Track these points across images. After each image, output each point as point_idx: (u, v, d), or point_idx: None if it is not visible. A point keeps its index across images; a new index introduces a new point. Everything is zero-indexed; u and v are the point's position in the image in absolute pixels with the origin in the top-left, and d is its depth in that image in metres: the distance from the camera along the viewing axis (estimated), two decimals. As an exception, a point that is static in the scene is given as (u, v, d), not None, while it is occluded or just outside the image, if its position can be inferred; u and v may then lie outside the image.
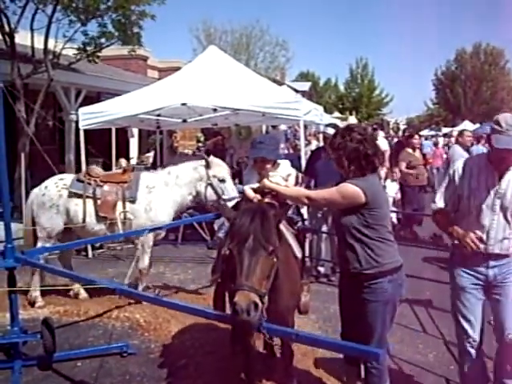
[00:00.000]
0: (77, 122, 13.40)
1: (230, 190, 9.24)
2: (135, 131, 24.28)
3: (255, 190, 5.62)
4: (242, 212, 4.45)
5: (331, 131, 10.70)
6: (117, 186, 9.26)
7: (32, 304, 8.92)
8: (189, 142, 27.40)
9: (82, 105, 15.71)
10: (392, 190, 14.51)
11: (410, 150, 14.48)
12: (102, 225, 9.12)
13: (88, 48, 18.50)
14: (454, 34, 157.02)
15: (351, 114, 47.58)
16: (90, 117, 12.33)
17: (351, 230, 4.76)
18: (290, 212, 5.56)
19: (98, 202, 9.14)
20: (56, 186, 9.38)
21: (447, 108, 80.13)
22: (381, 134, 21.55)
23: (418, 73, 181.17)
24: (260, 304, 3.97)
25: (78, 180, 9.35)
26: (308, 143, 17.79)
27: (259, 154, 5.89)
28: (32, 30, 16.92)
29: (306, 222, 8.86)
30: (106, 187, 9.24)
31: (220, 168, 9.36)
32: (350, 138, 4.80)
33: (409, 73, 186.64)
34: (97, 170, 9.84)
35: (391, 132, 37.40)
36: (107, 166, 16.91)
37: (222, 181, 9.23)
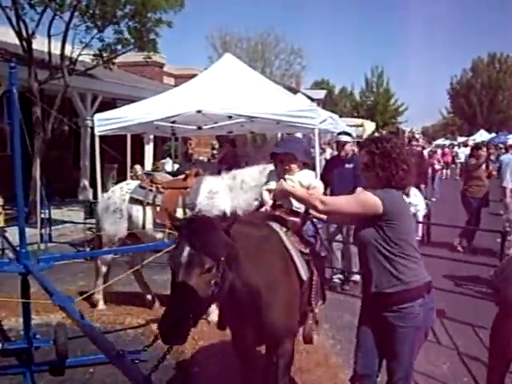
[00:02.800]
0: (92, 128, 13.43)
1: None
2: (150, 138, 24.35)
3: (273, 194, 5.37)
4: (185, 224, 3.95)
5: (345, 138, 10.69)
6: (177, 192, 9.02)
7: (94, 306, 9.07)
8: (204, 149, 27.46)
9: (97, 111, 15.75)
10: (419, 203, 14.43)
11: (474, 162, 14.35)
12: (161, 232, 8.89)
13: (104, 54, 18.64)
14: (470, 43, 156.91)
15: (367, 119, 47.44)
16: (105, 123, 12.35)
17: (370, 244, 4.44)
18: (305, 228, 5.32)
19: (157, 208, 8.98)
20: (121, 191, 9.35)
21: (463, 117, 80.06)
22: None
23: (433, 82, 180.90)
24: (189, 325, 3.68)
25: (141, 186, 9.25)
26: (322, 151, 17.76)
27: (289, 150, 5.47)
28: (49, 36, 17.07)
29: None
30: (165, 194, 9.07)
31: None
32: (388, 145, 4.51)
33: (424, 82, 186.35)
34: (161, 176, 9.70)
35: (406, 141, 37.45)
36: (122, 173, 16.99)
37: None
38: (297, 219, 5.24)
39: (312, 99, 29.22)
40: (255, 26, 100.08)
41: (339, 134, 11.20)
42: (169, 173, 15.77)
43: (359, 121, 41.39)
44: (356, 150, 11.11)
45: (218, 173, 9.86)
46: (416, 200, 14.44)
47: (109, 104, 21.01)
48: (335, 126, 13.37)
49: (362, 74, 79.27)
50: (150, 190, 9.11)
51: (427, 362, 6.99)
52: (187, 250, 3.73)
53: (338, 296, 9.78)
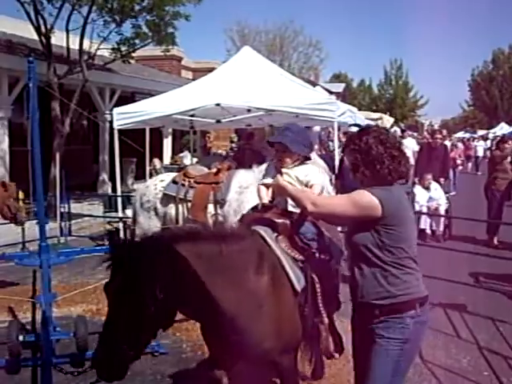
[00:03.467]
0: (111, 122, 13.46)
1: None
2: (169, 131, 24.39)
3: (271, 190, 4.90)
4: (120, 249, 3.61)
5: (354, 130, 10.62)
6: (209, 187, 8.82)
7: None
8: (222, 142, 27.45)
9: (116, 105, 15.79)
10: (422, 198, 14.38)
11: (499, 154, 14.21)
12: None
13: (122, 48, 18.65)
14: (491, 34, 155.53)
15: (385, 113, 47.24)
16: (124, 117, 12.36)
17: (362, 250, 3.88)
18: (303, 230, 4.62)
19: (189, 204, 8.85)
20: (155, 187, 9.30)
21: (483, 110, 79.33)
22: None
23: (453, 74, 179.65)
24: (125, 358, 3.51)
25: (174, 181, 9.14)
26: (341, 144, 17.70)
27: (281, 139, 4.93)
28: (67, 30, 17.12)
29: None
30: (197, 189, 8.88)
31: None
32: (366, 140, 3.99)
33: (444, 74, 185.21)
34: (195, 169, 9.51)
35: (425, 134, 37.19)
36: (141, 166, 17.02)
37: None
38: (288, 221, 4.63)
39: (331, 92, 29.12)
40: (273, 19, 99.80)
41: (350, 125, 11.14)
42: (187, 167, 15.87)
43: (377, 114, 41.26)
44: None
45: (236, 168, 9.75)
46: (437, 194, 14.41)
47: (127, 98, 21.06)
48: (354, 119, 13.31)
49: (381, 67, 78.55)
50: (183, 185, 8.97)
51: (447, 356, 6.97)
52: (119, 279, 3.49)
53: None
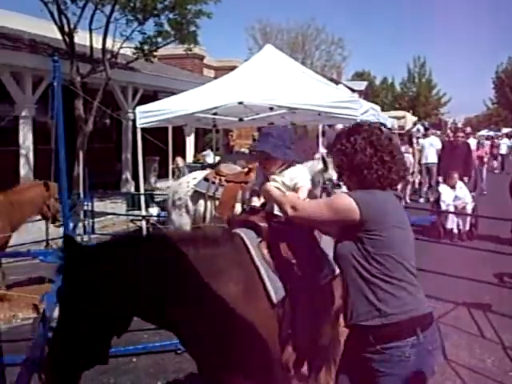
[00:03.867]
0: (134, 121, 13.50)
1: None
2: (191, 130, 24.44)
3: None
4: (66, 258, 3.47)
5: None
6: (238, 186, 8.72)
7: None
8: (245, 140, 27.44)
9: (138, 103, 15.84)
10: (448, 197, 14.27)
11: None
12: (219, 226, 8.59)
13: (145, 47, 18.72)
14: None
15: (408, 112, 47.02)
16: (147, 115, 12.38)
17: (347, 261, 3.43)
18: None
19: (217, 202, 8.81)
20: (187, 184, 9.30)
21: (507, 107, 78.58)
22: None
23: (477, 71, 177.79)
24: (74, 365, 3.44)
25: (205, 178, 9.13)
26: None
27: (262, 147, 4.67)
28: (90, 30, 17.23)
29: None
30: (226, 187, 8.82)
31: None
32: (354, 140, 3.53)
33: (468, 72, 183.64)
34: (227, 168, 9.47)
35: (449, 132, 37.01)
36: (164, 165, 17.08)
37: (338, 186, 7.54)
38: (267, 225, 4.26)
39: (353, 90, 29.07)
40: (295, 17, 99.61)
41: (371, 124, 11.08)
42: (210, 165, 15.88)
43: (401, 113, 41.07)
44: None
45: None
46: (462, 193, 14.31)
47: (150, 97, 21.13)
48: (377, 117, 13.27)
49: (404, 65, 78.13)
50: (213, 183, 8.94)
51: (471, 355, 6.91)
52: (62, 287, 3.43)
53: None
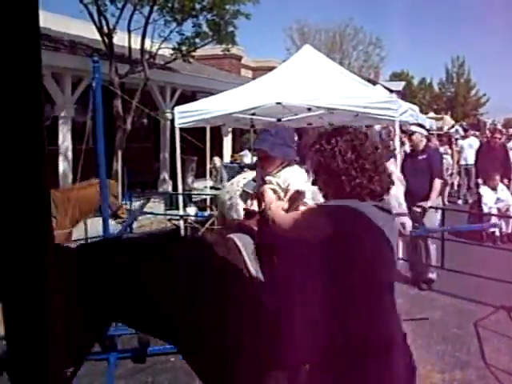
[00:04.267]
0: (172, 121, 13.57)
1: (396, 205, 6.70)
2: (229, 130, 24.51)
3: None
4: None
5: (414, 129, 10.38)
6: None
7: None
8: (282, 141, 27.43)
9: (176, 104, 15.93)
10: (490, 199, 14.08)
11: None
12: None
13: (183, 48, 18.80)
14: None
15: (446, 114, 46.65)
16: (185, 115, 12.44)
17: (320, 281, 3.05)
18: None
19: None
20: (237, 183, 9.27)
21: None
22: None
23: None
24: None
25: (254, 179, 9.07)
26: (402, 144, 17.54)
27: (259, 145, 4.57)
28: (129, 30, 17.34)
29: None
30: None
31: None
32: (335, 142, 3.12)
33: (508, 71, 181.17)
34: None
35: (487, 133, 36.60)
36: (201, 165, 17.12)
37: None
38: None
39: (391, 91, 28.88)
40: (333, 17, 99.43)
41: (411, 124, 10.97)
42: (247, 165, 15.88)
43: (440, 115, 40.78)
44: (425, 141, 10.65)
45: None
46: (504, 195, 14.12)
47: (188, 97, 21.22)
48: (415, 118, 13.15)
49: (442, 65, 77.35)
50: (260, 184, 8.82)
51: (511, 360, 6.80)
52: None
53: (419, 291, 9.60)
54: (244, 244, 3.71)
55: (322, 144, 3.15)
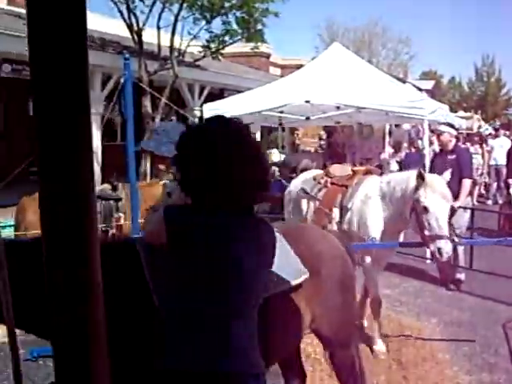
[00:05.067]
0: (200, 118, 13.61)
1: (435, 225, 6.20)
2: (257, 128, 24.53)
3: None
4: None
5: (443, 128, 10.28)
6: (339, 190, 7.95)
7: None
8: (311, 139, 27.39)
9: (205, 101, 15.98)
10: None
11: None
12: None
13: (212, 45, 18.84)
14: None
15: (476, 113, 46.28)
16: (214, 113, 12.47)
17: None
18: None
19: (317, 203, 8.23)
20: (298, 181, 9.12)
21: None
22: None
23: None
24: None
25: (314, 178, 8.62)
26: (431, 143, 17.45)
27: (145, 145, 4.31)
28: (158, 28, 17.42)
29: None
30: (328, 189, 8.15)
31: (428, 190, 6.26)
32: (195, 142, 2.67)
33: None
34: (337, 169, 8.69)
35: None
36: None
37: (425, 209, 6.25)
38: None
39: (420, 89, 28.72)
40: (362, 15, 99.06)
41: (440, 123, 10.88)
42: (275, 163, 15.87)
43: (469, 114, 40.45)
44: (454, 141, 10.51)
45: (325, 167, 9.53)
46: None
47: (216, 94, 21.26)
48: (445, 117, 13.07)
49: (471, 64, 76.72)
50: (319, 183, 8.38)
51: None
52: None
53: (447, 292, 9.53)
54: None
55: (183, 141, 2.76)
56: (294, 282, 3.50)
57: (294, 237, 3.75)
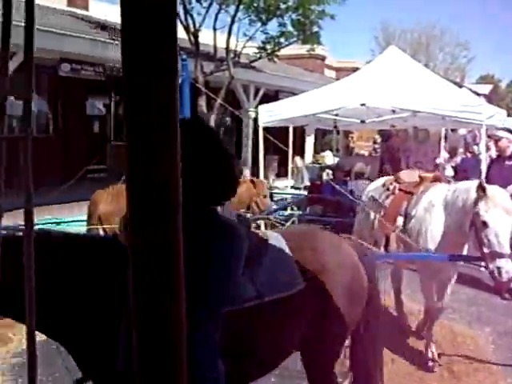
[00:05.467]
0: (255, 119, 13.66)
1: (495, 242, 5.71)
2: (312, 130, 24.50)
3: None
4: None
5: (501, 134, 10.11)
6: (405, 197, 7.68)
7: None
8: (365, 142, 27.23)
9: (260, 102, 16.03)
10: None
11: None
12: (384, 238, 7.72)
13: (268, 47, 18.89)
14: None
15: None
16: (269, 114, 12.49)
17: None
18: None
19: (383, 212, 7.97)
20: (369, 189, 8.99)
21: None
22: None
23: None
24: None
25: (384, 184, 8.44)
26: (488, 149, 17.19)
27: None
28: (215, 29, 17.55)
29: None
30: (394, 196, 7.91)
31: (489, 203, 5.82)
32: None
33: None
34: (408, 175, 8.40)
35: None
36: (283, 164, 17.15)
37: (484, 224, 5.79)
38: None
39: (477, 94, 28.33)
40: (419, 17, 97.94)
41: (498, 129, 10.70)
42: (328, 166, 15.83)
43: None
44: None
45: (380, 171, 9.39)
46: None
47: (271, 96, 21.30)
48: (503, 123, 12.86)
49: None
50: (387, 189, 8.17)
51: None
52: None
53: (501, 301, 9.37)
54: None
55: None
56: (281, 295, 3.35)
57: (299, 242, 3.71)
